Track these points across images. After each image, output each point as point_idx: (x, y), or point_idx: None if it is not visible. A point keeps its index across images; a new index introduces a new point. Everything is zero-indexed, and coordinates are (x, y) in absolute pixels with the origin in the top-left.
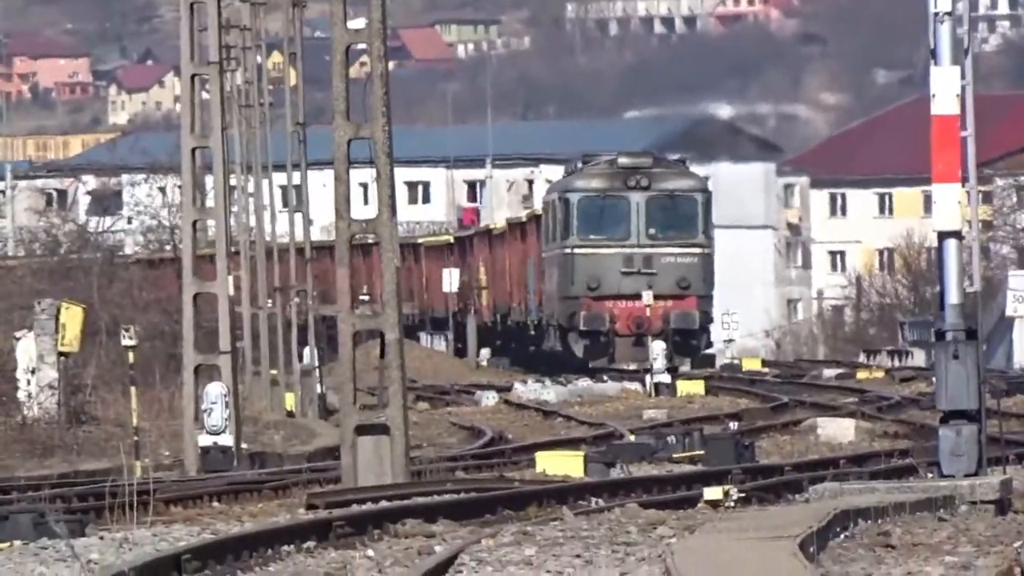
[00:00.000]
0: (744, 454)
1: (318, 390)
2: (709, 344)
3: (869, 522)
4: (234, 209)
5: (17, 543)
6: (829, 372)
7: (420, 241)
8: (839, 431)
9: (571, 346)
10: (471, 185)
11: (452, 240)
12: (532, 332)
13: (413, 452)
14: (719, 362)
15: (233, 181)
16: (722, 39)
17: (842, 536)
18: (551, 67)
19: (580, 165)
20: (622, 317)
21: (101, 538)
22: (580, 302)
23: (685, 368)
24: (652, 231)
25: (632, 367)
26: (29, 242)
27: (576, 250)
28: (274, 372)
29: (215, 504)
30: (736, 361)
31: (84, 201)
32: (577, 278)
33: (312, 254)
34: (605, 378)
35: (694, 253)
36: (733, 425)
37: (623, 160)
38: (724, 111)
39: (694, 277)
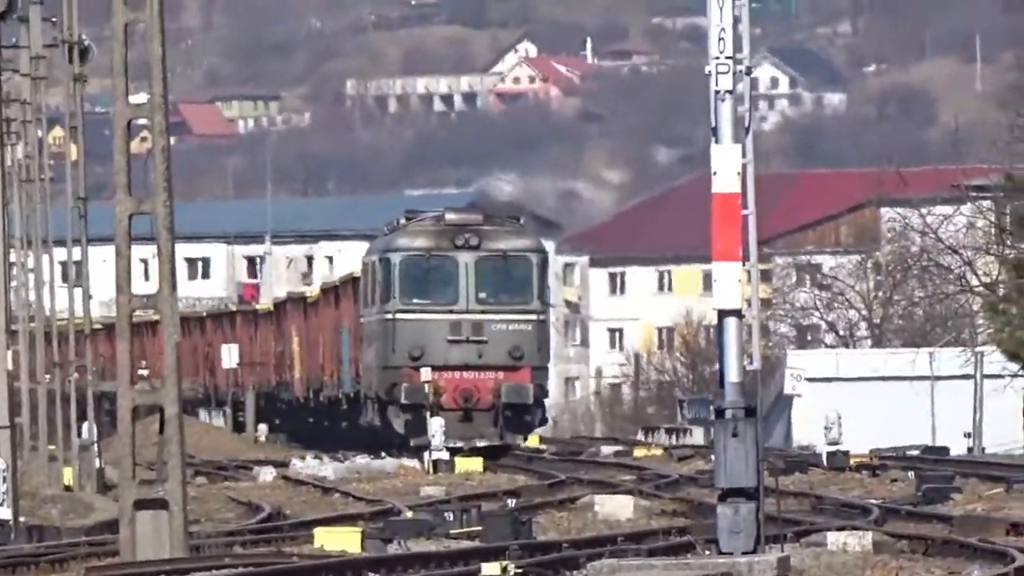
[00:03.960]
0: (522, 531)
1: (96, 464)
2: (544, 420)
3: None
4: (13, 284)
5: None
6: (607, 449)
7: (258, 308)
8: (617, 508)
9: (391, 421)
10: (251, 261)
11: (272, 308)
12: (345, 407)
13: (191, 527)
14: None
15: (13, 256)
16: (502, 116)
17: None
18: (331, 143)
19: (403, 221)
20: (448, 389)
21: None
22: (402, 373)
23: (521, 442)
24: (482, 295)
25: (459, 444)
26: None
27: (398, 315)
28: (52, 447)
29: None
30: None
31: None
32: (399, 346)
33: (98, 331)
34: (383, 455)
35: (528, 320)
36: (511, 502)
37: (451, 216)
38: (505, 188)
39: (528, 346)
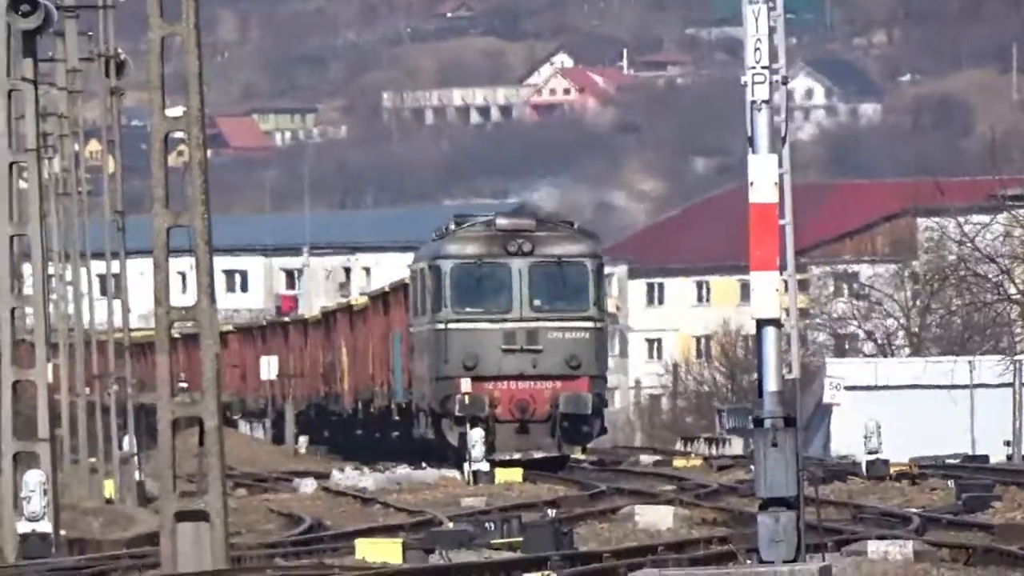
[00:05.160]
0: (563, 541)
1: (137, 477)
2: (604, 430)
3: None
4: (53, 297)
5: None
6: (647, 459)
7: (303, 319)
8: (657, 518)
9: (445, 434)
10: (289, 273)
11: (321, 317)
12: (397, 417)
13: (232, 539)
14: None
15: (51, 269)
16: (538, 128)
17: None
18: (368, 156)
19: (452, 227)
20: (504, 400)
21: None
22: (455, 384)
23: (578, 455)
24: (537, 302)
25: (516, 456)
26: None
27: (450, 325)
28: (93, 460)
29: None
30: None
31: None
32: (452, 357)
33: (138, 344)
34: (424, 465)
35: (585, 327)
36: (551, 512)
37: (502, 222)
38: (541, 199)
39: (585, 354)
